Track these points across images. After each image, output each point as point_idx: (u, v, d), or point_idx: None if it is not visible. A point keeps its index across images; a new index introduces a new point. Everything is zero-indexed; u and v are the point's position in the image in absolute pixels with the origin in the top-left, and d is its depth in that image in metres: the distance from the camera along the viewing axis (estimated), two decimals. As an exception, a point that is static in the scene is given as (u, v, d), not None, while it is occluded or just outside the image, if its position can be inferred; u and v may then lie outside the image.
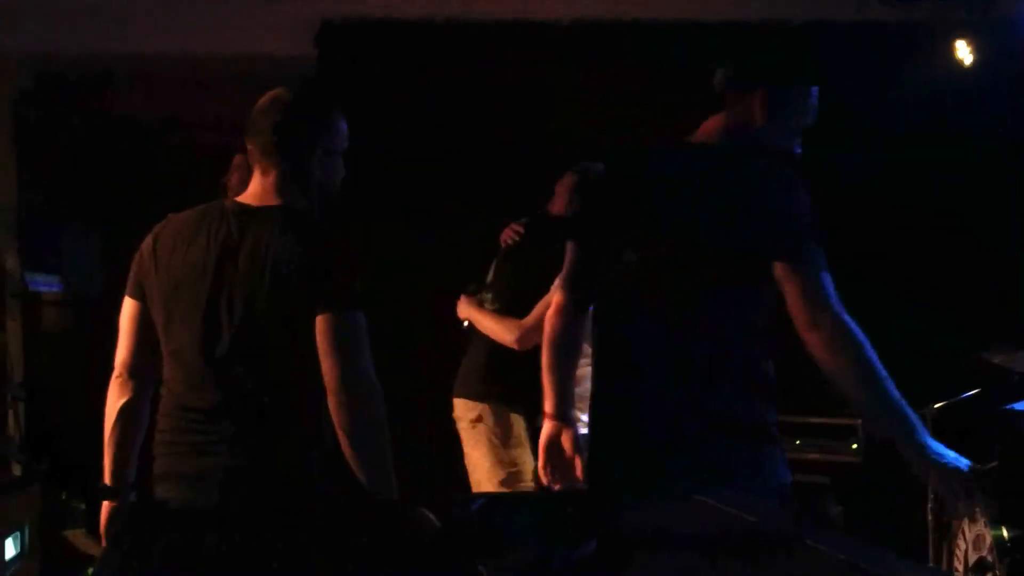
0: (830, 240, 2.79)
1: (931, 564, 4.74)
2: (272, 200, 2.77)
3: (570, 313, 2.97)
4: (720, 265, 2.72)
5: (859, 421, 5.45)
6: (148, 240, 2.82)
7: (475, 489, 4.29)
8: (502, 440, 4.32)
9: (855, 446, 5.45)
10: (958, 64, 5.71)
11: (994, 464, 4.73)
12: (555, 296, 3.02)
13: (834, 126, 5.72)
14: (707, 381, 2.74)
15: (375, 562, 2.34)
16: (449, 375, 4.90)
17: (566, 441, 2.91)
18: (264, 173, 2.80)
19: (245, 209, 2.76)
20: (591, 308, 2.98)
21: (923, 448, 2.70)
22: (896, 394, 2.71)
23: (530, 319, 4.21)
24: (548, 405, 2.96)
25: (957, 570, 4.70)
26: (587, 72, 5.95)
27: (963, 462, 2.71)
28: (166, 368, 2.77)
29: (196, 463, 2.67)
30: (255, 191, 2.80)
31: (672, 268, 2.75)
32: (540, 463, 2.94)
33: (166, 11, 5.97)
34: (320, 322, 2.61)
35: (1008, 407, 4.74)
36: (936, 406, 4.95)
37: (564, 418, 2.93)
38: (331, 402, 2.61)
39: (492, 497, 1.86)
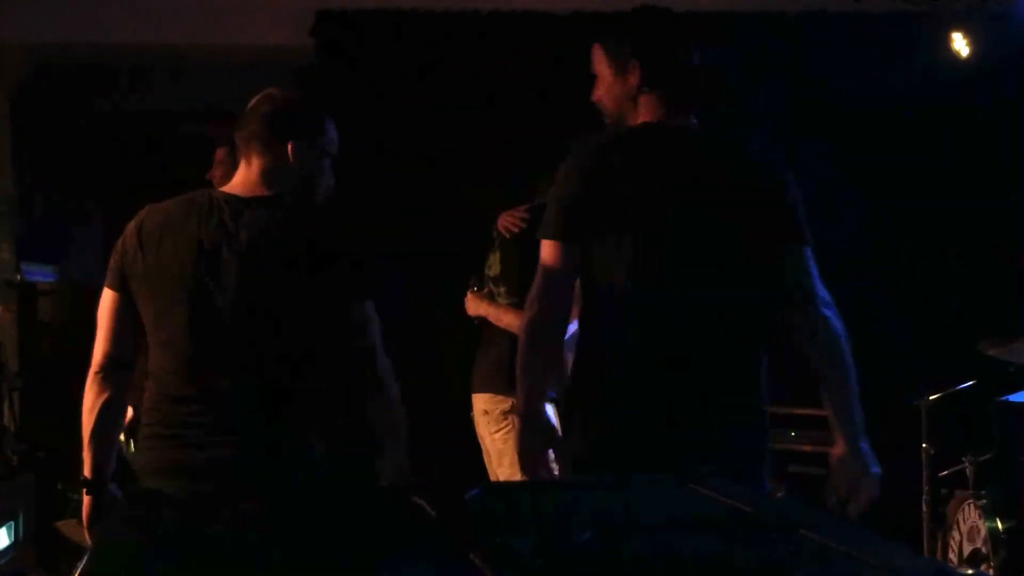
0: (827, 234, 2.84)
1: (926, 555, 4.75)
2: (259, 191, 2.75)
3: (555, 312, 2.82)
4: (742, 247, 2.75)
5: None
6: (131, 229, 2.75)
7: (503, 479, 4.27)
8: None
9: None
10: (955, 55, 5.71)
11: (989, 455, 4.75)
12: (535, 295, 2.82)
13: (830, 116, 5.80)
14: (733, 370, 2.77)
15: (368, 551, 2.34)
16: (447, 369, 4.87)
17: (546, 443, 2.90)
18: (249, 164, 2.78)
19: (234, 199, 2.73)
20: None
21: (863, 450, 2.78)
22: (856, 390, 2.80)
23: None
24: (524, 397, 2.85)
25: (951, 561, 4.71)
26: (585, 63, 5.93)
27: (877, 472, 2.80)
28: (153, 359, 2.71)
29: (189, 455, 2.62)
30: (240, 182, 2.78)
31: (693, 252, 2.75)
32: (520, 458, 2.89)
33: (164, 2, 5.97)
34: (357, 311, 2.69)
35: (1003, 399, 4.75)
36: (932, 397, 4.96)
37: (541, 414, 2.88)
38: (372, 388, 2.72)
39: (486, 486, 1.86)
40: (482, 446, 4.51)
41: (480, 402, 4.46)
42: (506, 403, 4.32)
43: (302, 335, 2.65)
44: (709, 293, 2.75)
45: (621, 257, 2.74)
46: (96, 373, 2.77)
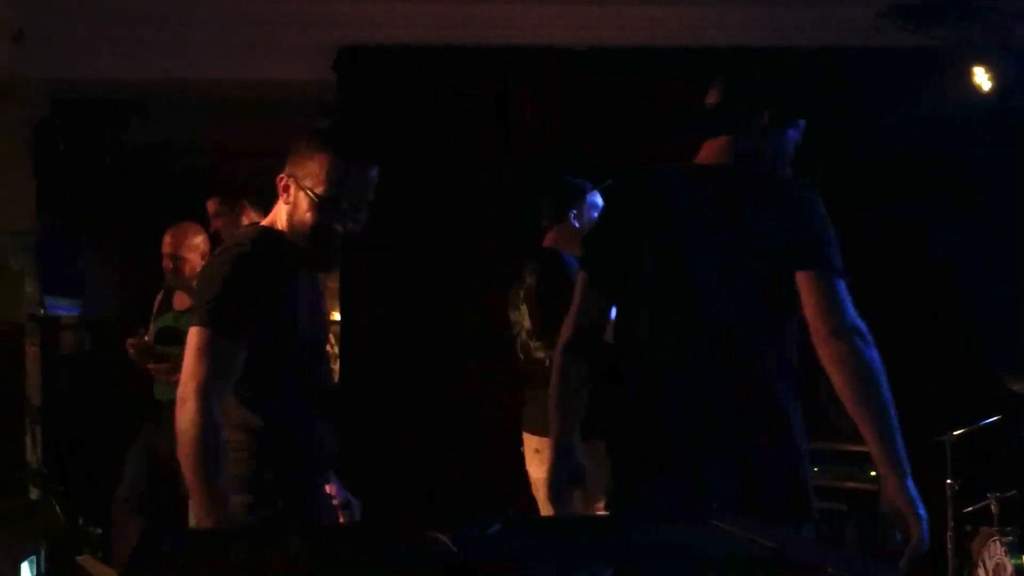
0: (849, 269, 2.78)
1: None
2: None
3: (581, 346, 2.85)
4: (757, 285, 2.72)
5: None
6: None
7: None
8: None
9: (873, 473, 5.42)
10: (975, 90, 5.70)
11: (1014, 492, 4.71)
12: (565, 329, 2.88)
13: (849, 150, 5.79)
14: (750, 408, 2.74)
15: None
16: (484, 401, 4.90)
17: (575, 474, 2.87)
18: None
19: None
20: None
21: (909, 490, 2.61)
22: (898, 427, 2.63)
23: None
24: (556, 433, 2.86)
25: (977, 599, 4.66)
26: (602, 96, 5.96)
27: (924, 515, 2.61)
28: None
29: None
30: None
31: (709, 291, 2.73)
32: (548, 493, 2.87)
33: (186, 38, 6.01)
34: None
35: (1028, 434, 4.72)
36: (956, 433, 4.92)
37: (572, 451, 2.86)
38: None
39: (507, 520, 1.85)
40: (532, 483, 4.50)
41: (532, 442, 4.44)
42: None
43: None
44: (715, 334, 2.72)
45: (644, 300, 2.78)
46: None
